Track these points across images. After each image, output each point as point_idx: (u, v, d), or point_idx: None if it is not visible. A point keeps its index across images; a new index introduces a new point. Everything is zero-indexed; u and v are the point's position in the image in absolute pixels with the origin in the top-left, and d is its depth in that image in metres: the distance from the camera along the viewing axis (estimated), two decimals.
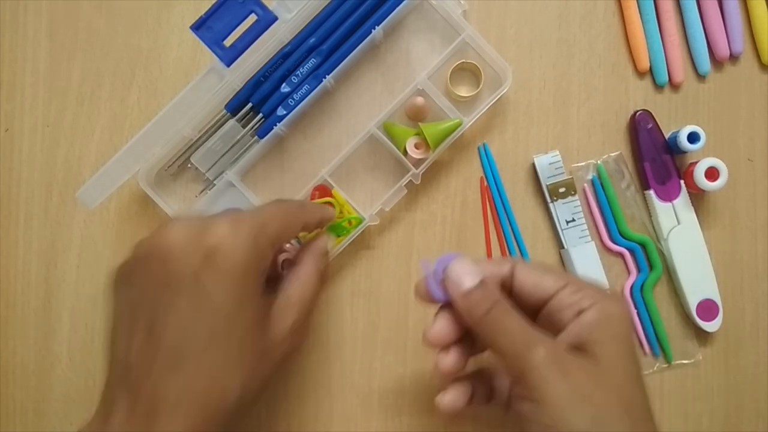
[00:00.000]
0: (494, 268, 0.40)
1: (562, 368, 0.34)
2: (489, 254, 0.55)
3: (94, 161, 0.56)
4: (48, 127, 0.56)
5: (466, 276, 0.37)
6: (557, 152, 0.54)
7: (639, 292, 0.55)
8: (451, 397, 0.40)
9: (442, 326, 0.39)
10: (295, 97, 0.52)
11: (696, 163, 0.53)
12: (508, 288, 0.40)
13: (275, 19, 0.48)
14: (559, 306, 0.37)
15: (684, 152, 0.54)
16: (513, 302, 0.38)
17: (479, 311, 0.36)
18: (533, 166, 0.55)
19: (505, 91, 0.52)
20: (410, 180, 0.53)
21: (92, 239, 0.56)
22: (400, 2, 0.52)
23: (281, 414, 0.55)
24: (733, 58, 0.57)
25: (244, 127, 0.53)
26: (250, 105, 0.53)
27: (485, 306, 0.36)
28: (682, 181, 0.55)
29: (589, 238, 0.54)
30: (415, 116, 0.55)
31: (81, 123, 0.56)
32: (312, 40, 0.52)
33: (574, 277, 0.40)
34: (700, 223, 0.55)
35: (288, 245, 0.50)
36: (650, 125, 0.55)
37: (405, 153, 0.53)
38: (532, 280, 0.38)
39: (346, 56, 0.52)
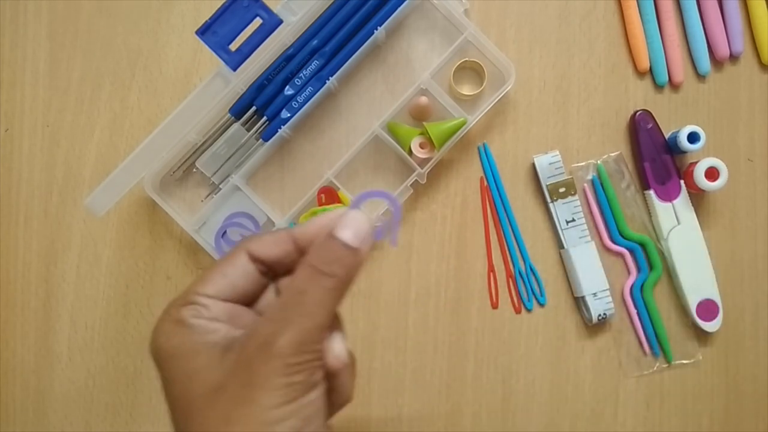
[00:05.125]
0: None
1: None
2: (489, 254, 0.58)
3: (94, 161, 0.59)
4: (48, 127, 0.59)
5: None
6: (557, 152, 0.57)
7: (639, 292, 0.58)
8: None
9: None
10: (299, 100, 0.55)
11: (696, 163, 0.56)
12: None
13: (280, 22, 0.51)
14: None
15: (684, 152, 0.57)
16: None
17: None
18: (533, 166, 0.58)
19: (509, 87, 0.55)
20: (416, 180, 0.56)
21: (92, 239, 0.59)
22: (402, 2, 0.55)
23: None
24: (733, 58, 0.60)
25: (248, 130, 0.56)
26: (254, 108, 0.56)
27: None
28: (682, 181, 0.58)
29: (589, 238, 0.57)
30: (419, 116, 0.58)
31: (81, 123, 0.59)
32: (314, 42, 0.55)
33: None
34: (700, 223, 0.58)
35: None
36: (650, 125, 0.58)
37: (410, 153, 0.56)
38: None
39: (349, 58, 0.55)
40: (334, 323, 0.33)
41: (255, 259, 0.33)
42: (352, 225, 0.32)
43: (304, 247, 0.33)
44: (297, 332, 0.30)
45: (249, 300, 0.34)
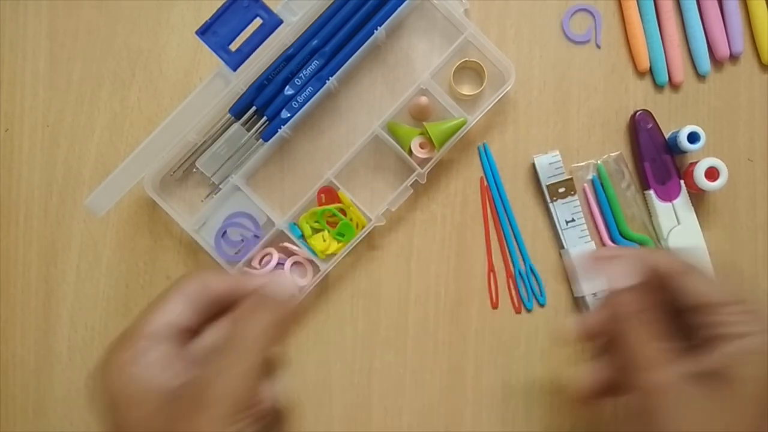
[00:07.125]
0: (668, 265, 0.39)
1: (678, 401, 0.34)
2: (489, 254, 0.59)
3: (94, 161, 0.59)
4: (48, 127, 0.60)
5: (624, 274, 0.39)
6: (557, 152, 0.58)
7: None
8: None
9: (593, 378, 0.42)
10: (299, 100, 0.55)
11: (696, 163, 0.56)
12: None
13: (280, 22, 0.51)
14: (715, 321, 0.37)
15: (684, 152, 0.57)
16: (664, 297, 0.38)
17: (619, 315, 0.38)
18: (533, 166, 0.58)
19: (509, 87, 0.56)
20: (416, 180, 0.56)
21: (92, 239, 0.59)
22: (402, 2, 0.56)
23: None
24: (733, 58, 0.60)
25: (248, 130, 0.56)
26: (254, 108, 0.56)
27: (626, 310, 0.38)
28: (682, 181, 0.58)
29: (589, 238, 0.58)
30: (419, 116, 0.58)
31: (81, 123, 0.60)
32: (314, 42, 0.55)
33: (749, 297, 0.39)
34: (700, 223, 0.58)
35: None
36: (650, 125, 0.58)
37: (410, 153, 0.56)
38: (701, 289, 0.38)
39: (349, 57, 0.55)
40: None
41: (204, 289, 0.35)
42: (285, 279, 0.36)
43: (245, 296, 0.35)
44: (233, 377, 0.31)
45: (190, 335, 0.35)
